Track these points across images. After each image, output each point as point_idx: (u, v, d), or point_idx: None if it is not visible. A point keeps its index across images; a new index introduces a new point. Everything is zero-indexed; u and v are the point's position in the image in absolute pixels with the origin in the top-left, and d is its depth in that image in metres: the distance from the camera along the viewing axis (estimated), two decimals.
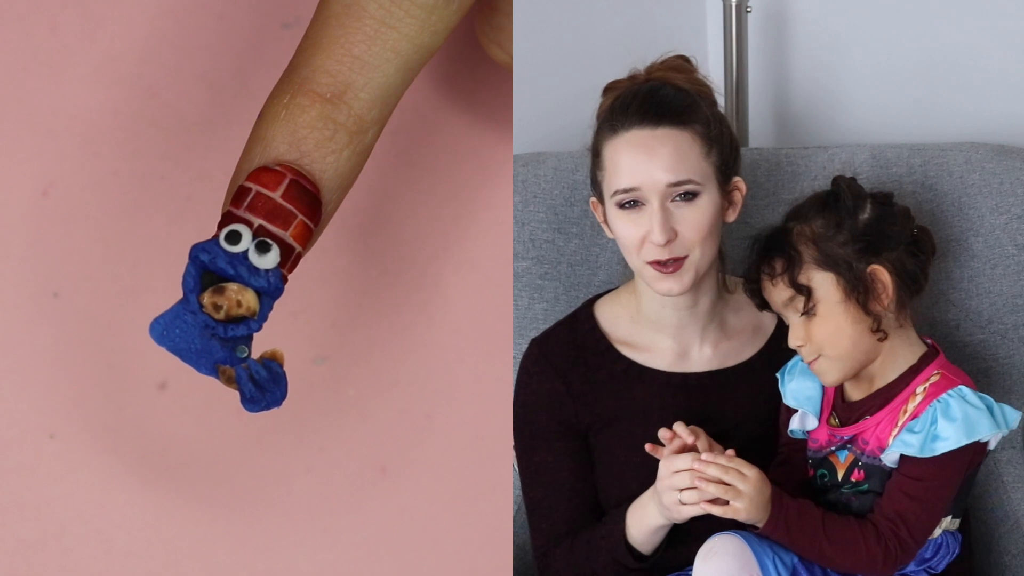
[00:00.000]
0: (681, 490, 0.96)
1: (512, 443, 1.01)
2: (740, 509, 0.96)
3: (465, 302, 0.98)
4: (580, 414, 1.04)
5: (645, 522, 1.00)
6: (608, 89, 1.02)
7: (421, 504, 0.96)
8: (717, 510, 0.96)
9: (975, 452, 0.99)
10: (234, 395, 0.82)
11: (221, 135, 0.96)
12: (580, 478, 1.05)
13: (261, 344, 0.81)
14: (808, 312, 0.99)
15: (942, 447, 0.96)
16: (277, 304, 0.93)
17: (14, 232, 0.96)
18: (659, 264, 0.97)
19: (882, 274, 0.98)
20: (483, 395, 0.97)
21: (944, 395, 0.98)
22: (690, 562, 1.00)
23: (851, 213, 1.00)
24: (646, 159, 0.96)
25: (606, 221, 1.01)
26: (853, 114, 1.35)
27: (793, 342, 1.00)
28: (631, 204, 0.97)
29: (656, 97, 0.98)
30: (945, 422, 0.96)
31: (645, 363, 1.05)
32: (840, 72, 1.35)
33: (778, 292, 1.00)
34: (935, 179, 1.15)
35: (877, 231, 0.99)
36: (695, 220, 0.96)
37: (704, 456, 0.96)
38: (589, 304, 1.08)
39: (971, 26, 1.29)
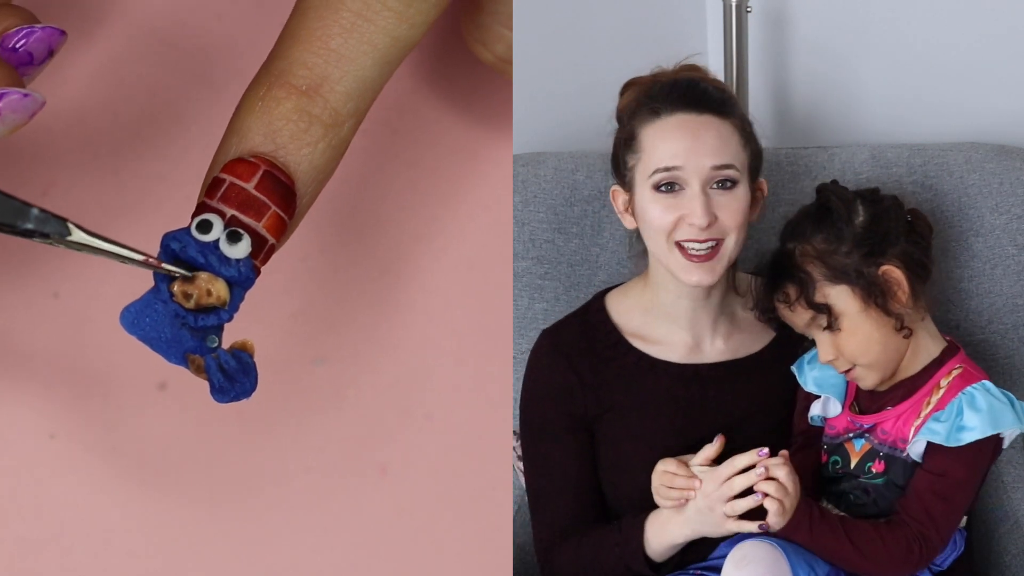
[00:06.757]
0: (733, 498, 0.96)
1: (512, 443, 1.01)
2: (778, 523, 0.96)
3: (465, 302, 0.98)
4: (590, 406, 1.04)
5: (667, 538, 1.01)
6: (630, 84, 1.03)
7: (421, 504, 0.96)
8: (752, 526, 0.96)
9: (994, 450, 0.99)
10: None
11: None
12: (585, 472, 1.05)
13: (261, 343, 0.81)
14: (832, 327, 0.99)
15: (968, 436, 0.97)
16: (276, 305, 0.93)
17: None
18: (692, 255, 0.97)
19: (893, 272, 0.99)
20: (483, 395, 0.97)
21: (969, 388, 0.99)
22: (706, 556, 1.00)
23: (847, 220, 1.00)
24: (691, 140, 0.98)
25: (627, 210, 1.02)
26: (853, 114, 1.35)
27: (824, 358, 1.00)
28: (669, 187, 0.98)
29: (698, 86, 1.00)
30: (971, 412, 0.97)
31: (657, 355, 1.05)
32: (840, 72, 1.35)
33: (798, 316, 1.01)
34: (935, 179, 1.15)
35: (876, 231, 1.00)
36: (733, 207, 0.98)
37: (770, 461, 0.96)
38: (600, 297, 1.08)
39: (971, 26, 1.29)
